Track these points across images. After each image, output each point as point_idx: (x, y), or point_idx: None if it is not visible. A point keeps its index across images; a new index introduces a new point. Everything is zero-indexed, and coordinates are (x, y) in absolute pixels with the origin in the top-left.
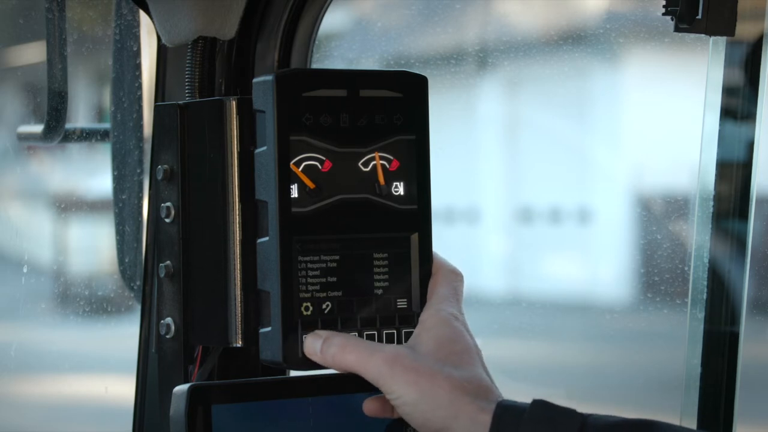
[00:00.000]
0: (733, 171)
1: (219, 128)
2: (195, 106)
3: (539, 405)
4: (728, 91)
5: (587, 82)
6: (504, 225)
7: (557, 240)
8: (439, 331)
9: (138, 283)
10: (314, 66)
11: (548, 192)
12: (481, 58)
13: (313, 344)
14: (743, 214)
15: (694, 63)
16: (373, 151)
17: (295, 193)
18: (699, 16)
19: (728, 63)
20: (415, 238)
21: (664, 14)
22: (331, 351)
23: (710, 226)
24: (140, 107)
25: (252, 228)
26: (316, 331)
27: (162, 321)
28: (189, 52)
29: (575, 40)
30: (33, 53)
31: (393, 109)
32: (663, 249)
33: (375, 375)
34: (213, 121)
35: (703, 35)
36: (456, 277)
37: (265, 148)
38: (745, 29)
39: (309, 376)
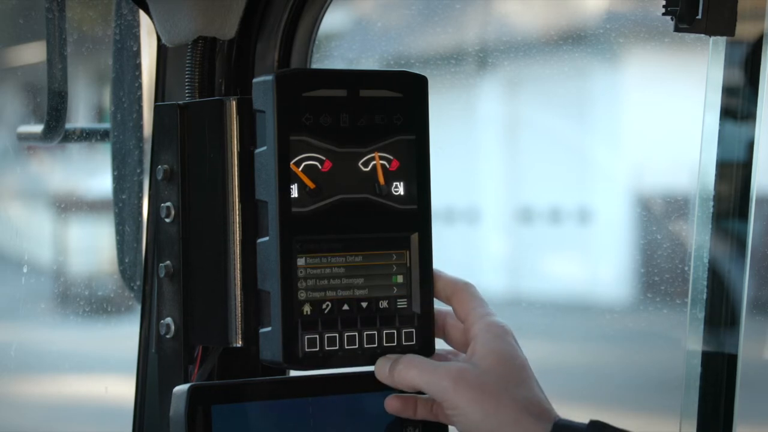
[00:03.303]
0: (733, 171)
1: (219, 128)
2: (195, 106)
3: (596, 426)
4: (728, 91)
5: (587, 82)
6: (504, 225)
7: (557, 240)
8: (496, 346)
9: (138, 283)
10: (314, 66)
11: (548, 192)
12: (481, 58)
13: (384, 366)
14: (743, 214)
15: (694, 63)
16: (373, 151)
17: (295, 193)
18: (699, 16)
19: (728, 63)
20: (415, 238)
21: (664, 14)
22: (398, 368)
23: (710, 226)
24: (140, 107)
25: (252, 228)
26: (387, 355)
27: (162, 321)
28: (189, 52)
29: (575, 40)
30: (33, 53)
31: (393, 109)
32: (663, 249)
33: (439, 390)
34: (213, 121)
35: (703, 35)
36: (474, 287)
37: (265, 148)
38: (745, 29)
39: (309, 376)
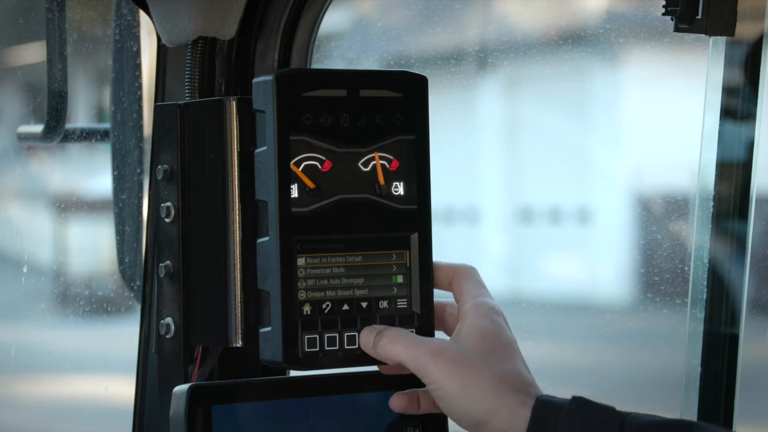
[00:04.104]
0: (733, 171)
1: (219, 128)
2: (195, 106)
3: (578, 401)
4: (728, 91)
5: (587, 82)
6: (504, 225)
7: (557, 240)
8: (481, 324)
9: (138, 283)
10: (314, 66)
11: (548, 192)
12: (481, 58)
13: (368, 336)
14: (743, 214)
15: (694, 63)
16: (372, 151)
17: (295, 193)
18: (699, 16)
19: (728, 63)
20: (415, 237)
21: (664, 14)
22: (381, 342)
23: (710, 226)
24: (140, 107)
25: (252, 228)
26: (373, 325)
27: (162, 321)
28: (189, 52)
29: (575, 40)
30: (33, 53)
31: (393, 109)
32: (663, 249)
33: (419, 365)
34: (213, 121)
35: (703, 35)
36: (474, 270)
37: (265, 148)
38: (745, 29)
39: (309, 376)
